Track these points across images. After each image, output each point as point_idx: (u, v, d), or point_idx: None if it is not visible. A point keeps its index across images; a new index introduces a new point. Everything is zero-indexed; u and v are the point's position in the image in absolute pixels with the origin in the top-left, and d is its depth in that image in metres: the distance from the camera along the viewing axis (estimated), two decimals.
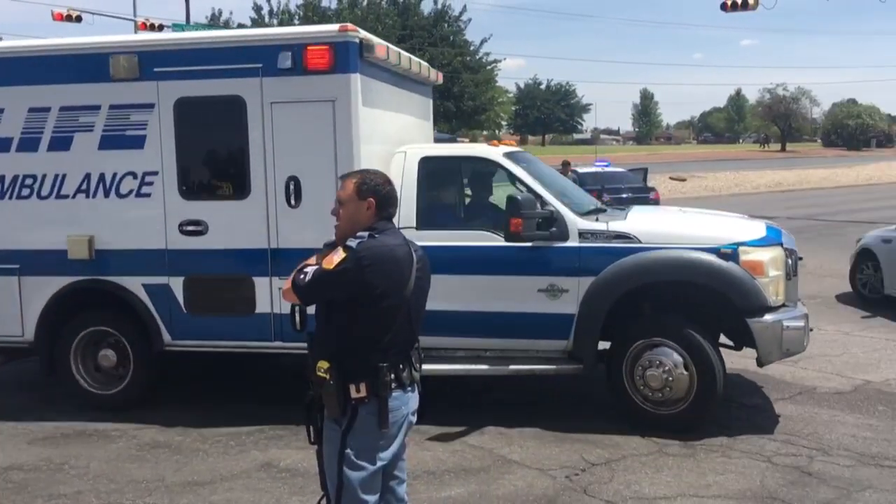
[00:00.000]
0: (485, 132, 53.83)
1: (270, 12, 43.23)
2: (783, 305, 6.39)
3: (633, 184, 20.31)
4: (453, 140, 21.14)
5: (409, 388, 3.56)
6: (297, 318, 6.62)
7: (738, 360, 7.26)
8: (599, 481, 5.45)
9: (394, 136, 7.34)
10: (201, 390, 7.81)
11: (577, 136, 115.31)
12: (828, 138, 52.55)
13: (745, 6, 22.30)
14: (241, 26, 41.87)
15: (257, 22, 42.51)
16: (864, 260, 11.41)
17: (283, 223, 6.62)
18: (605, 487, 5.35)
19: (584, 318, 6.39)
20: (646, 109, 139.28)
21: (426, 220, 6.72)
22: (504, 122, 65.50)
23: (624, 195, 17.81)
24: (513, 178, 6.83)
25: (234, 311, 6.83)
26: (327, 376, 3.35)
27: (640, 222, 6.64)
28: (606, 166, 22.14)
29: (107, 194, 6.90)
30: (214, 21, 44.11)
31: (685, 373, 6.20)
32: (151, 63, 6.74)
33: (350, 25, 6.50)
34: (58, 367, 7.14)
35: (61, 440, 6.46)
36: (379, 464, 3.47)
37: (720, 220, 7.21)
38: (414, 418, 3.63)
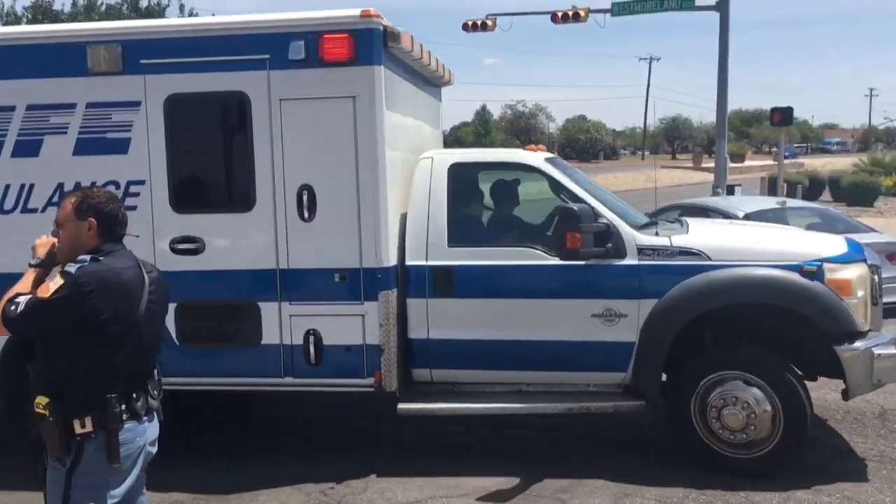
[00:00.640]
0: None
1: None
2: (869, 330, 5.62)
3: None
4: None
5: (146, 418, 3.44)
6: (312, 349, 5.68)
7: None
8: None
9: (414, 141, 6.47)
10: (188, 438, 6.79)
11: None
12: (563, 151, 55.20)
13: (483, 27, 23.60)
14: None
15: None
16: None
17: (295, 239, 5.67)
18: None
19: (646, 347, 5.55)
20: None
21: (458, 235, 5.84)
22: None
23: None
24: (558, 188, 5.97)
25: (236, 342, 5.85)
26: (46, 412, 3.19)
27: (707, 236, 5.83)
28: None
29: None
30: None
31: (769, 410, 5.37)
32: (137, 54, 5.76)
33: (373, 10, 5.59)
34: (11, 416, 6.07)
35: None
36: (111, 501, 3.29)
37: (796, 234, 6.44)
38: (153, 449, 3.51)
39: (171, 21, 5.95)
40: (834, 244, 5.80)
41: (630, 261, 5.59)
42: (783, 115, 18.15)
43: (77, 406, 3.21)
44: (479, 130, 69.41)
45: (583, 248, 5.40)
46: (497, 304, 5.73)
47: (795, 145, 76.00)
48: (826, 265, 5.49)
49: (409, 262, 5.78)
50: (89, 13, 30.37)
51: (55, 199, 5.83)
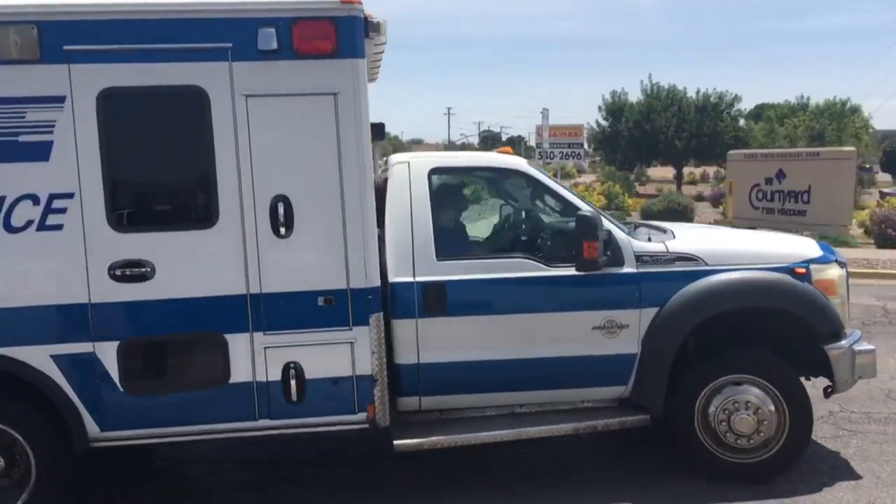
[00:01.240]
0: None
1: None
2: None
3: None
4: None
5: None
6: (294, 384, 4.92)
7: None
8: None
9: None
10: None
11: None
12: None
13: None
14: None
15: None
16: None
17: (269, 259, 4.87)
18: None
19: (650, 358, 5.31)
20: None
21: (447, 247, 5.29)
22: None
23: None
24: (542, 192, 5.60)
25: (198, 384, 4.93)
26: None
27: (699, 241, 5.70)
28: None
29: None
30: None
31: (775, 411, 5.33)
32: (59, 38, 4.66)
33: None
34: None
35: None
36: None
37: (777, 236, 6.45)
38: None
39: None
40: (812, 246, 5.87)
41: (629, 269, 5.33)
42: (376, 131, 18.71)
43: None
44: None
45: (600, 257, 5.06)
46: (494, 321, 5.25)
47: None
48: (812, 266, 5.55)
49: (393, 279, 5.16)
50: None
51: None
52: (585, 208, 5.38)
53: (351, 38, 4.84)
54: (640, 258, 5.35)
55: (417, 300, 5.15)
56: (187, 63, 4.75)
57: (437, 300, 5.16)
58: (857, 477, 5.50)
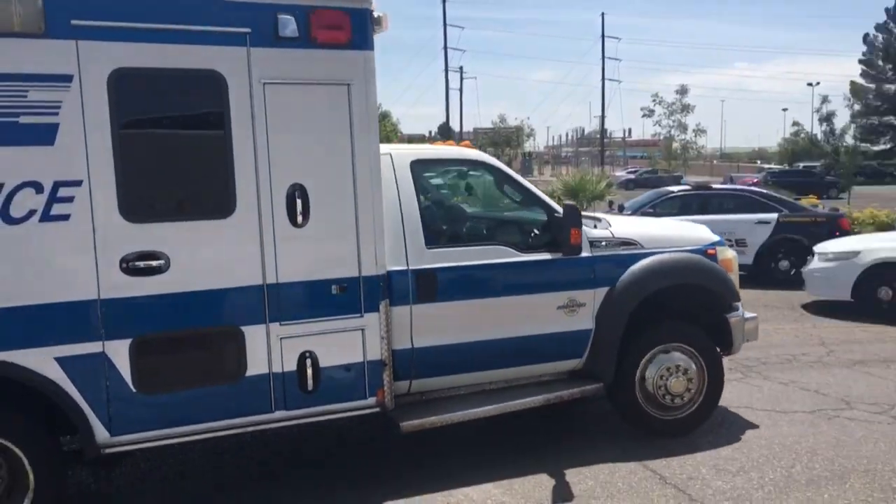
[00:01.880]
0: None
1: None
2: None
3: None
4: None
5: None
6: (310, 373, 4.92)
7: None
8: None
9: None
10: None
11: None
12: None
13: None
14: None
15: None
16: None
17: (285, 248, 4.82)
18: None
19: (603, 332, 5.96)
20: None
21: (434, 235, 5.56)
22: None
23: None
24: (505, 182, 6.03)
25: (214, 379, 4.76)
26: None
27: (633, 226, 6.44)
28: None
29: None
30: None
31: (697, 374, 6.21)
32: (66, 11, 4.28)
33: None
34: None
35: None
36: None
37: (686, 223, 7.33)
38: None
39: None
40: (708, 231, 6.86)
41: (586, 253, 5.93)
42: None
43: None
44: None
45: (581, 244, 5.61)
46: (478, 305, 5.58)
47: None
48: (717, 248, 6.54)
49: (389, 268, 5.31)
50: None
51: None
52: (546, 199, 5.92)
53: (363, 29, 4.95)
54: (593, 243, 5.98)
55: (412, 288, 5.36)
56: (205, 46, 4.59)
57: (429, 287, 5.40)
58: (753, 426, 6.57)
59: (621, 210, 14.54)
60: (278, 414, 4.91)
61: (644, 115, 65.47)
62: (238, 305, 4.76)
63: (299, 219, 4.84)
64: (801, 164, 53.34)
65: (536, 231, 5.88)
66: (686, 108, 61.79)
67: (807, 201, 17.32)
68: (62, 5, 4.28)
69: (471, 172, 6.29)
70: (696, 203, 13.98)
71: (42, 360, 4.34)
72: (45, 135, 4.29)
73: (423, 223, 5.48)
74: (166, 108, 4.63)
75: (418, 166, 5.66)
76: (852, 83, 70.40)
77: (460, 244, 5.74)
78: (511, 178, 6.03)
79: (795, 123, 76.70)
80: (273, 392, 4.86)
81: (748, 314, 6.65)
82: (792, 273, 13.05)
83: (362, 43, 4.96)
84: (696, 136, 62.73)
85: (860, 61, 70.68)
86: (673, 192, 14.90)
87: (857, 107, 70.15)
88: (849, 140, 63.98)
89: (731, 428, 6.41)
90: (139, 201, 4.51)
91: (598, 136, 78.71)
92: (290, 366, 4.89)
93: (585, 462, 5.66)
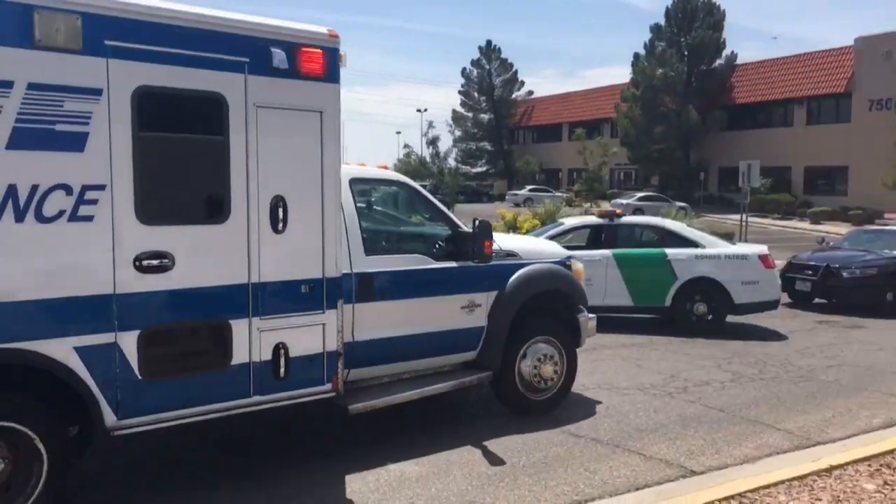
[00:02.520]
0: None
1: None
2: None
3: None
4: None
5: None
6: (283, 362, 5.60)
7: None
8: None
9: None
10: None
11: None
12: None
13: None
14: None
15: None
16: None
17: (266, 251, 5.48)
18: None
19: (493, 329, 7.14)
20: None
21: (370, 244, 6.44)
22: None
23: None
24: (420, 202, 7.02)
25: (205, 367, 5.30)
26: None
27: (513, 241, 7.67)
28: None
29: (20, 217, 4.51)
30: None
31: (560, 362, 7.57)
32: (102, 31, 4.72)
33: (334, 31, 5.80)
34: None
35: None
36: None
37: (544, 239, 8.60)
38: None
39: (147, 0, 4.48)
40: (559, 246, 8.27)
41: (474, 261, 7.05)
42: None
43: None
44: None
45: (492, 253, 6.73)
46: (404, 305, 6.53)
47: None
48: (571, 260, 7.97)
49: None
50: None
51: None
52: (452, 216, 7.00)
53: (334, 65, 5.76)
54: (473, 253, 7.11)
55: (354, 289, 6.19)
56: (211, 71, 5.18)
57: (367, 289, 6.27)
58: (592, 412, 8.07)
59: None
60: (255, 398, 5.53)
61: None
62: (228, 301, 5.35)
63: (280, 226, 5.53)
64: None
65: (447, 243, 6.94)
66: None
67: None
68: (97, 25, 4.70)
69: (396, 191, 7.20)
70: None
71: (64, 350, 4.69)
72: (76, 142, 4.68)
73: (361, 234, 6.33)
74: (177, 123, 5.14)
75: (356, 184, 6.51)
76: (454, 111, 78.91)
77: (390, 252, 6.66)
78: (425, 198, 7.03)
79: (406, 146, 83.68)
80: (252, 379, 5.49)
81: (590, 316, 8.15)
82: None
83: (333, 76, 5.76)
84: None
85: (459, 92, 79.30)
86: None
87: (458, 132, 78.84)
88: (452, 162, 71.62)
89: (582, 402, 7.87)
90: (152, 206, 4.99)
91: None
92: (267, 356, 5.54)
93: (478, 439, 6.78)
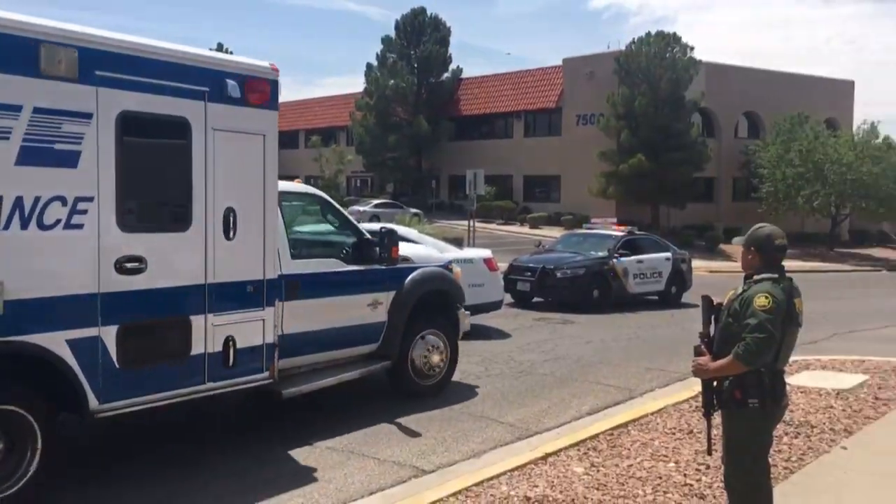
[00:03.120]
0: None
1: None
2: None
3: None
4: None
5: None
6: (232, 353, 6.41)
7: None
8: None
9: None
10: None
11: None
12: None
13: None
14: None
15: None
16: None
17: (220, 256, 6.28)
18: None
19: (393, 323, 8.22)
20: None
21: (295, 250, 7.32)
22: None
23: None
24: (331, 213, 7.99)
25: (169, 357, 6.03)
26: None
27: (405, 248, 8.73)
28: None
29: (24, 225, 5.11)
30: None
31: (445, 351, 8.75)
32: (94, 63, 5.39)
33: (275, 65, 6.67)
34: None
35: None
36: None
37: (429, 247, 9.67)
38: None
39: (129, 37, 4.93)
40: (441, 253, 9.45)
41: (381, 265, 8.12)
42: None
43: None
44: None
45: (399, 257, 7.79)
46: (323, 302, 7.47)
47: None
48: (451, 264, 9.19)
49: None
50: None
51: None
52: (358, 225, 8.01)
53: (275, 95, 6.66)
54: (380, 258, 8.17)
55: (283, 288, 7.07)
56: (179, 98, 5.96)
57: (293, 288, 7.16)
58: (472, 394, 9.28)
59: None
60: (209, 385, 6.31)
61: None
62: (188, 299, 6.11)
63: (231, 233, 6.34)
64: None
65: (354, 249, 7.94)
66: None
67: None
68: (90, 57, 5.38)
69: (312, 203, 8.10)
70: None
71: (57, 342, 5.32)
72: (71, 159, 5.34)
73: (288, 241, 7.23)
74: (151, 143, 5.87)
75: (283, 197, 7.38)
76: None
77: (310, 257, 7.57)
78: (336, 210, 8.00)
79: None
80: (207, 368, 6.27)
81: (466, 311, 9.40)
82: None
83: (274, 104, 6.65)
84: None
85: None
86: None
87: None
88: None
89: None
90: (130, 215, 5.70)
91: None
92: (219, 347, 6.33)
93: (388, 418, 7.83)
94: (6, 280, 5.03)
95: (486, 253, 13.81)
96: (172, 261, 6.00)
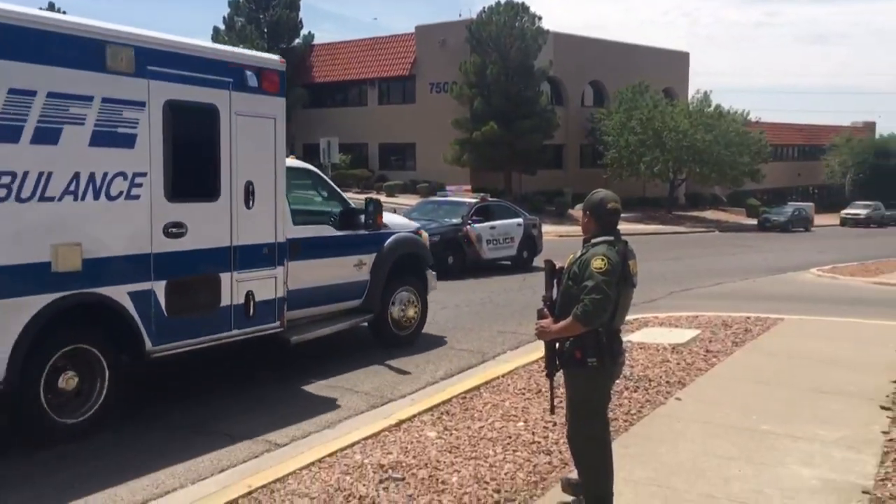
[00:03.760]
0: None
1: None
2: None
3: None
4: None
5: None
6: (252, 305, 7.53)
7: None
8: None
9: None
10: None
11: None
12: None
13: None
14: None
15: None
16: None
17: (242, 223, 7.39)
18: None
19: (375, 281, 9.43)
20: None
21: (295, 217, 8.44)
22: None
23: None
24: (322, 185, 9.14)
25: (204, 308, 7.12)
26: None
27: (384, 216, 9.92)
28: None
29: (97, 196, 6.15)
30: None
31: (418, 304, 10.01)
32: (146, 60, 6.42)
33: (283, 59, 7.77)
34: (22, 407, 5.85)
35: None
36: None
37: (396, 216, 10.87)
38: None
39: (172, 36, 5.90)
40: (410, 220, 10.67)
41: (364, 231, 9.30)
42: None
43: None
44: None
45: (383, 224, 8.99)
46: (318, 263, 8.62)
47: None
48: (420, 230, 10.44)
49: None
50: None
51: (72, 187, 6.02)
52: (343, 195, 9.18)
53: (283, 84, 7.76)
54: (366, 224, 9.36)
55: (287, 250, 8.20)
56: (210, 88, 7.01)
57: (296, 250, 8.30)
58: (442, 343, 10.53)
59: None
60: (234, 332, 7.44)
61: None
62: (218, 260, 7.21)
63: (250, 203, 7.45)
64: None
65: (342, 216, 9.09)
66: None
67: None
68: (144, 55, 6.41)
69: (305, 177, 9.20)
70: None
71: (121, 293, 6.38)
72: (130, 140, 6.37)
73: (290, 208, 8.35)
74: (189, 126, 6.90)
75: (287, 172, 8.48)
76: None
77: (307, 224, 8.70)
78: (326, 182, 9.14)
79: None
80: (233, 317, 7.39)
81: (433, 272, 10.66)
82: None
83: (282, 92, 7.76)
84: None
85: None
86: None
87: None
88: None
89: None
90: (175, 187, 6.75)
91: None
92: (241, 300, 7.45)
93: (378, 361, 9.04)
94: (84, 242, 6.07)
95: None
96: (206, 226, 7.08)
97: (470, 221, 18.34)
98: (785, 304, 14.00)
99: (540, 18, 42.27)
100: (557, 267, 4.70)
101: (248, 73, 7.35)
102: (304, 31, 52.70)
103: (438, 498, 5.06)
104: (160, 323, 6.73)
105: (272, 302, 7.81)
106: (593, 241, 4.55)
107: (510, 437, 6.20)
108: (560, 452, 5.79)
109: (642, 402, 7.15)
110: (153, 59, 6.51)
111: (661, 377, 8.04)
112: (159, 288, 6.69)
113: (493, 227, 18.72)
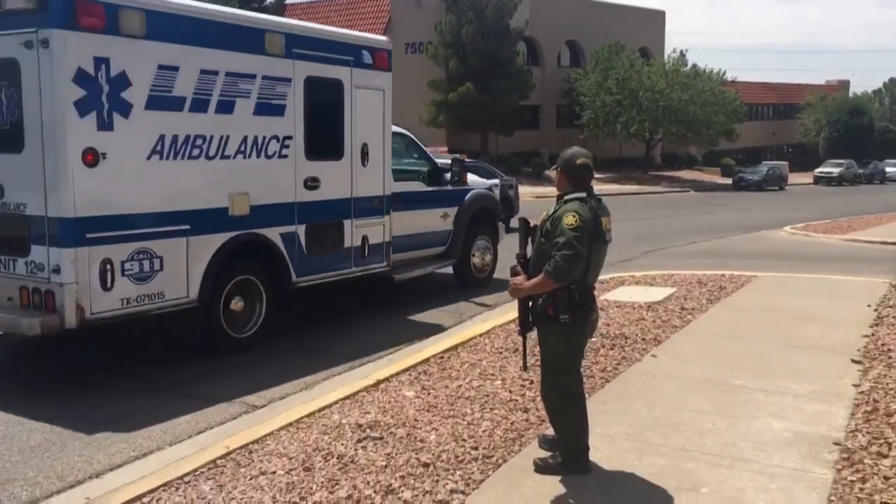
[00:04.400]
0: None
1: None
2: None
3: None
4: None
5: None
6: (367, 247, 9.05)
7: None
8: None
9: None
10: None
11: None
12: None
13: None
14: None
15: None
16: None
17: (359, 178, 8.89)
18: None
19: (457, 231, 10.91)
20: None
21: (394, 175, 9.92)
22: None
23: None
24: (413, 147, 10.62)
25: (333, 248, 8.65)
26: None
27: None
28: None
29: (258, 155, 7.66)
30: None
31: (493, 253, 11.51)
32: (292, 44, 7.90)
33: (390, 39, 9.23)
34: (207, 322, 7.42)
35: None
36: None
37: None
38: None
39: (310, 24, 7.46)
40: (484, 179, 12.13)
41: (449, 187, 10.76)
42: None
43: None
44: None
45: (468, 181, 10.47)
46: (412, 213, 10.11)
47: None
48: (494, 187, 11.90)
49: None
50: None
51: (242, 148, 7.55)
52: (432, 156, 10.65)
53: (390, 59, 9.20)
54: (451, 181, 10.82)
55: (387, 203, 9.69)
56: (337, 66, 8.48)
57: (396, 202, 9.78)
58: None
59: None
60: (354, 269, 8.98)
61: None
62: (342, 209, 8.72)
63: (365, 162, 8.94)
64: None
65: (429, 175, 10.56)
66: None
67: None
68: (291, 40, 7.88)
69: (400, 141, 10.66)
70: None
71: (275, 234, 7.92)
72: (280, 110, 7.87)
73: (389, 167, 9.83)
74: (321, 98, 8.38)
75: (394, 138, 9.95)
76: None
77: (403, 180, 10.17)
78: (417, 145, 10.61)
79: None
80: (353, 257, 8.92)
81: (502, 224, 12.12)
82: None
83: (390, 67, 9.20)
84: None
85: None
86: None
87: None
88: None
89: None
90: (312, 148, 8.25)
91: None
92: (358, 243, 8.97)
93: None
94: (250, 192, 7.60)
95: None
96: (333, 181, 8.58)
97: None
98: (759, 261, 14.00)
99: None
100: (532, 225, 4.70)
101: (364, 52, 8.80)
102: None
103: (416, 456, 5.03)
104: (301, 259, 8.26)
105: (381, 245, 9.33)
106: (566, 197, 4.53)
107: (487, 396, 6.19)
108: (537, 410, 5.75)
109: (618, 360, 7.15)
110: (297, 43, 7.98)
111: (637, 335, 8.01)
112: (301, 231, 8.21)
113: None
